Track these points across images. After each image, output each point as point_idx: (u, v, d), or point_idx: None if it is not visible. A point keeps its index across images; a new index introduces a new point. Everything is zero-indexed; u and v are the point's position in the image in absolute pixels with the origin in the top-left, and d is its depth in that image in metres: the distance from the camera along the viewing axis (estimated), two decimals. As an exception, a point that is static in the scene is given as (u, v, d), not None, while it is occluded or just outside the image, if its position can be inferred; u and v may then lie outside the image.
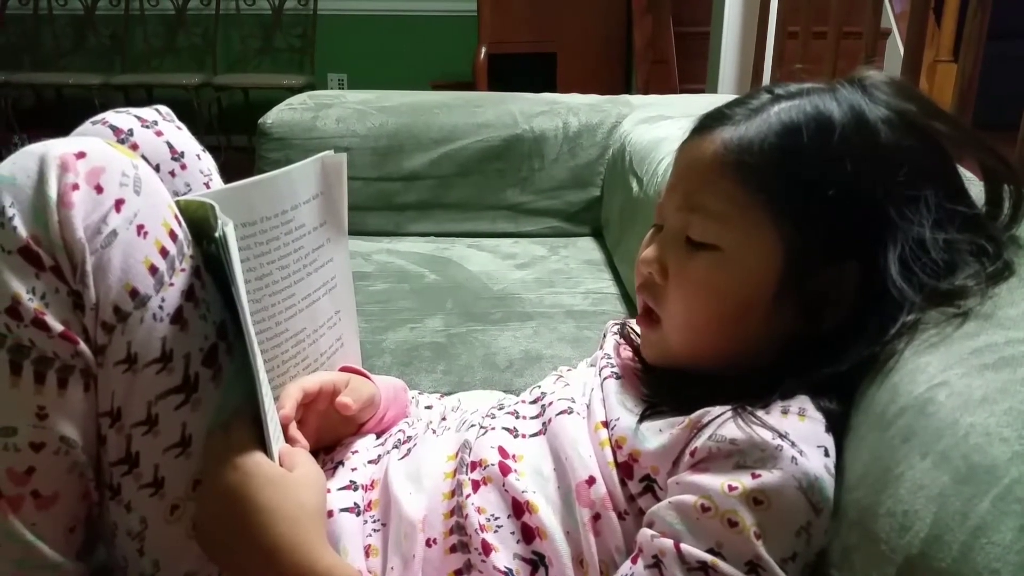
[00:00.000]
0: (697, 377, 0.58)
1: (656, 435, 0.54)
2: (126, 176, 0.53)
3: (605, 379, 0.62)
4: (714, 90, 2.66)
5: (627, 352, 0.66)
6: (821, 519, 0.46)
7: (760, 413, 0.50)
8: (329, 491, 0.58)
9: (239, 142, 4.38)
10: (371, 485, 0.60)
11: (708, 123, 0.59)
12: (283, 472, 0.52)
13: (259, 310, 0.60)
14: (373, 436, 0.67)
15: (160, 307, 0.53)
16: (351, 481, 0.60)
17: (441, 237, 1.53)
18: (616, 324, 0.71)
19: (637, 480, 0.54)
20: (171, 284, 0.54)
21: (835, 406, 0.51)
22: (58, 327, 0.51)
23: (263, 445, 0.53)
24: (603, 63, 3.67)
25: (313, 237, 0.64)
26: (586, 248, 1.47)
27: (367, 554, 0.56)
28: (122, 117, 0.66)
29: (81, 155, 0.52)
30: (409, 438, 0.64)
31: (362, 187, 1.55)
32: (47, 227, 0.50)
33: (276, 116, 1.58)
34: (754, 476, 0.47)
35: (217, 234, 0.50)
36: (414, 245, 1.47)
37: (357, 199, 1.55)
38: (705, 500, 0.47)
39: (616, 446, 0.56)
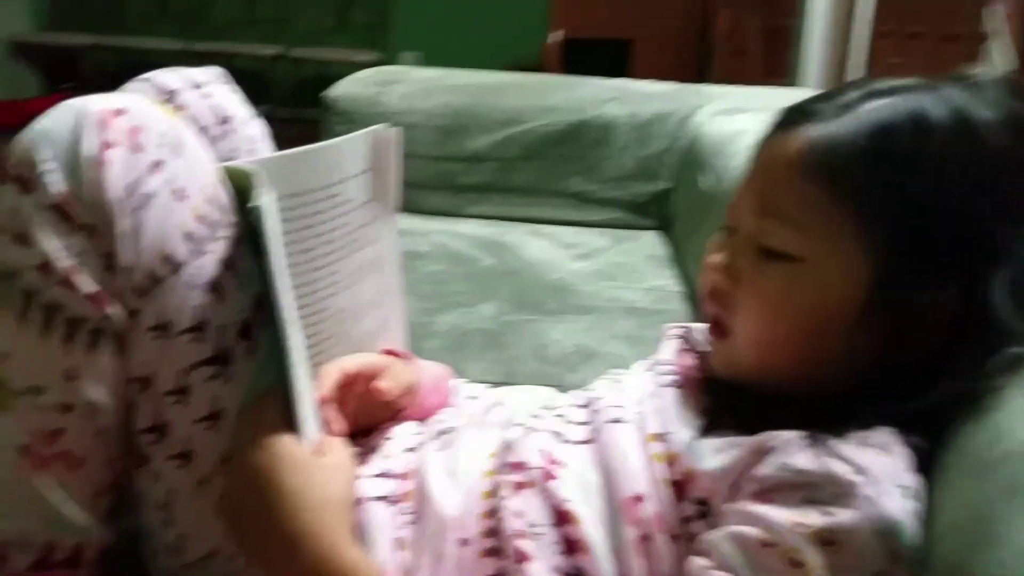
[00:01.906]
0: (767, 395, 0.53)
1: (715, 455, 0.50)
2: (165, 137, 0.51)
3: (663, 387, 0.58)
4: (797, 85, 2.55)
5: (690, 359, 0.61)
6: (899, 569, 0.41)
7: (836, 443, 0.45)
8: (360, 478, 0.55)
9: (311, 115, 4.43)
10: (406, 474, 0.57)
11: (791, 118, 0.53)
12: (311, 457, 0.50)
13: (300, 285, 0.57)
14: (413, 423, 0.63)
15: (196, 274, 0.51)
16: (385, 469, 0.57)
17: (500, 221, 1.49)
18: (678, 327, 0.66)
19: (691, 501, 0.50)
20: (208, 252, 0.52)
21: (923, 443, 0.45)
22: (89, 288, 0.50)
23: (294, 427, 0.51)
24: (680, 52, 3.58)
25: (360, 213, 0.61)
26: (650, 243, 1.41)
27: (397, 547, 0.53)
28: (171, 76, 0.64)
29: (120, 112, 0.50)
30: (449, 429, 0.61)
31: (423, 166, 1.52)
32: (81, 185, 0.48)
33: (342, 90, 1.56)
34: (825, 513, 0.42)
35: (253, 204, 0.47)
36: (472, 228, 1.44)
37: (417, 177, 1.52)
38: (767, 535, 0.43)
39: (669, 462, 0.52)
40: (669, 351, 0.63)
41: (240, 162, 0.53)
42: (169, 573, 0.56)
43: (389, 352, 0.66)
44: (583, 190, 1.52)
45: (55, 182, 0.49)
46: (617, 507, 0.51)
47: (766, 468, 0.46)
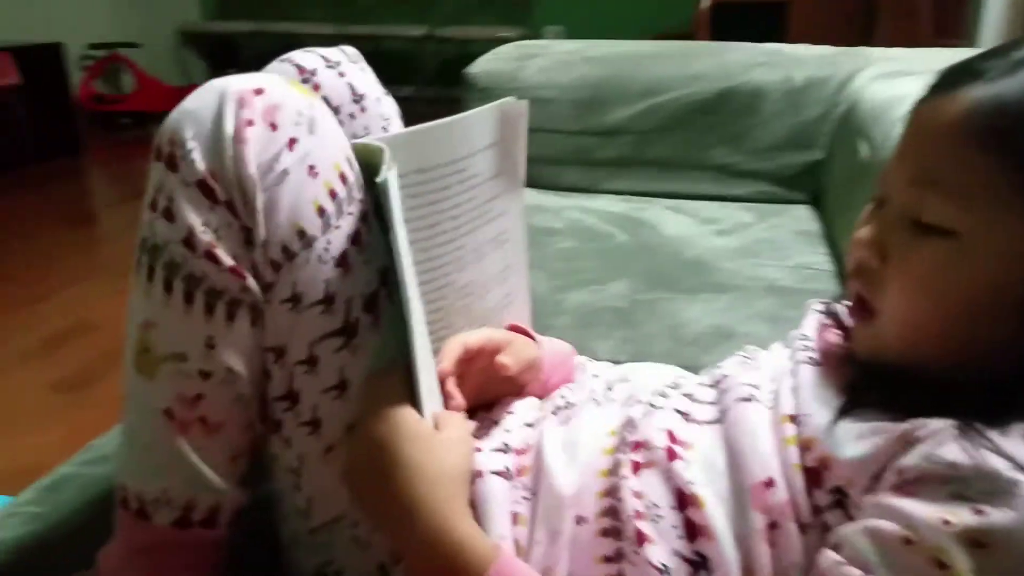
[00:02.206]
0: (917, 377, 0.48)
1: (855, 441, 0.46)
2: (301, 115, 0.52)
3: (799, 364, 0.54)
4: (973, 47, 2.32)
5: (833, 336, 0.56)
6: None
7: (994, 435, 0.40)
8: (480, 451, 0.55)
9: (457, 94, 4.51)
10: (524, 449, 0.56)
11: (953, 78, 0.47)
12: (431, 430, 0.50)
13: (426, 259, 0.57)
14: (535, 399, 0.62)
15: (326, 249, 0.53)
16: (504, 443, 0.56)
17: (638, 196, 1.45)
18: (822, 302, 0.61)
19: (826, 490, 0.47)
20: (337, 227, 0.53)
21: None
22: (228, 261, 0.51)
23: (415, 400, 0.51)
24: (841, 14, 3.33)
25: (486, 187, 0.60)
26: (801, 217, 1.32)
27: (513, 521, 0.53)
28: (308, 56, 0.65)
29: (259, 92, 0.51)
30: (569, 404, 0.60)
31: (559, 140, 1.49)
32: (223, 162, 0.50)
33: (481, 66, 1.56)
34: (977, 512, 0.38)
35: (379, 179, 0.48)
36: (608, 203, 1.40)
37: (553, 152, 1.50)
38: (909, 531, 0.39)
39: (804, 447, 0.48)
40: (810, 326, 0.58)
41: (370, 139, 0.53)
42: (297, 536, 0.58)
43: (513, 328, 0.65)
44: (727, 162, 1.44)
45: (198, 159, 0.51)
46: (744, 491, 0.49)
47: (911, 458, 0.42)
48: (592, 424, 0.56)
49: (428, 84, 4.60)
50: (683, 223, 1.31)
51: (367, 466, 0.50)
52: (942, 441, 0.41)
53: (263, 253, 0.52)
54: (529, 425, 0.59)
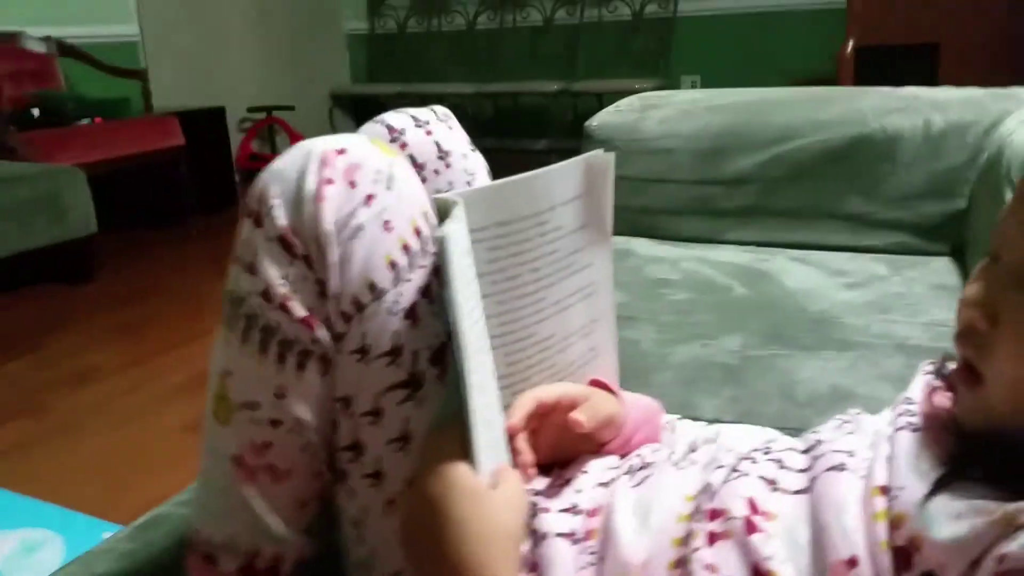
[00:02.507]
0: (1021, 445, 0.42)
1: (951, 521, 0.41)
2: (380, 173, 0.54)
3: (899, 430, 0.49)
4: None
5: (942, 399, 0.51)
6: None
7: None
8: (548, 511, 0.53)
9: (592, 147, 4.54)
10: (595, 511, 0.54)
11: None
12: (483, 488, 0.48)
13: (505, 312, 0.57)
14: (614, 458, 0.60)
15: (396, 301, 0.53)
16: (573, 504, 0.55)
17: (763, 247, 1.39)
18: (934, 363, 0.56)
19: (916, 574, 0.41)
20: (408, 280, 0.54)
21: None
22: (301, 312, 0.53)
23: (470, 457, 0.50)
24: (997, 55, 3.11)
25: (571, 240, 0.60)
26: (940, 270, 1.22)
27: None
28: (399, 117, 0.69)
29: (342, 152, 0.54)
30: (647, 465, 0.57)
31: (680, 190, 1.47)
32: (302, 218, 0.52)
33: (602, 119, 1.57)
34: None
35: (438, 234, 0.48)
36: (730, 254, 1.35)
37: (674, 203, 1.48)
38: None
39: (894, 523, 0.44)
40: (917, 388, 0.53)
41: (449, 194, 0.54)
42: None
43: (595, 383, 0.63)
44: (861, 211, 1.36)
45: (280, 216, 0.53)
46: (824, 569, 0.44)
47: (1015, 545, 0.37)
48: (668, 488, 0.53)
49: (563, 137, 4.68)
50: (809, 275, 1.24)
51: (417, 522, 0.49)
52: None
53: (335, 305, 0.53)
54: (603, 485, 0.56)
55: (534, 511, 0.55)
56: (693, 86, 4.58)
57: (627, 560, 0.50)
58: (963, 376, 0.47)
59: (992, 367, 0.45)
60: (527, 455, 0.53)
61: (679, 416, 0.69)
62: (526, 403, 0.54)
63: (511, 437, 0.53)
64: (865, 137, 1.35)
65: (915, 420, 0.50)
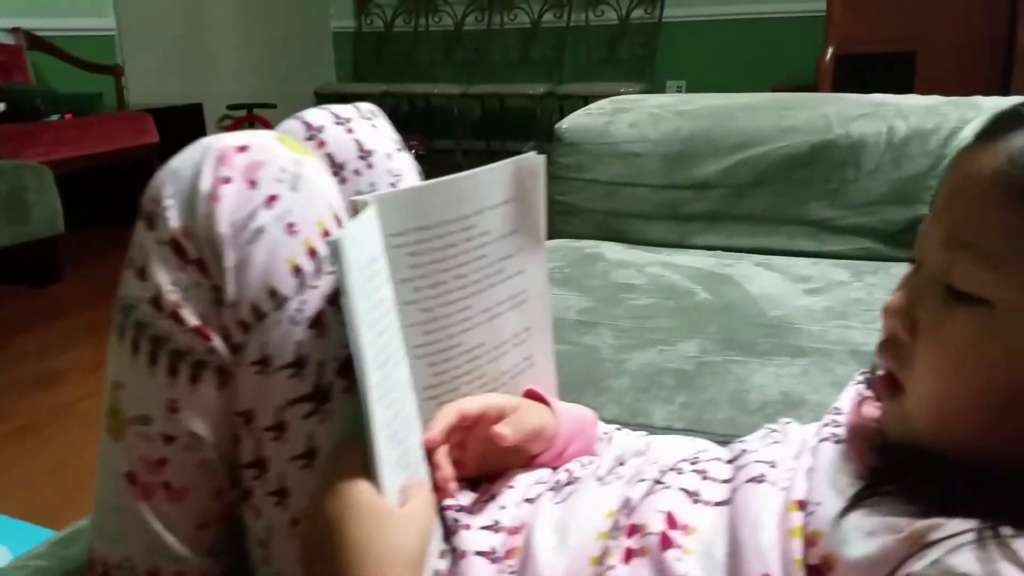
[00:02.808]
0: (946, 466, 0.42)
1: (863, 539, 0.40)
2: (284, 172, 0.52)
3: (822, 441, 0.48)
4: None
5: (871, 409, 0.51)
6: None
7: (1020, 544, 0.34)
8: (469, 527, 0.52)
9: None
10: (518, 528, 0.53)
11: (1000, 125, 0.42)
12: (385, 507, 0.46)
13: (430, 320, 0.56)
14: (545, 472, 0.59)
15: (300, 310, 0.51)
16: (495, 520, 0.53)
17: (729, 252, 1.39)
18: (863, 372, 0.55)
19: None
20: (314, 287, 0.51)
21: None
22: (193, 321, 0.51)
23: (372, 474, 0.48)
24: (973, 65, 3.13)
25: (499, 245, 0.59)
26: (901, 276, 1.22)
27: None
28: (319, 113, 0.65)
29: (243, 149, 0.51)
30: (573, 480, 0.56)
31: (648, 195, 1.47)
32: (195, 220, 0.50)
33: (572, 121, 1.56)
34: None
35: (331, 238, 0.45)
36: (695, 259, 1.35)
37: (642, 207, 1.48)
38: None
39: (809, 540, 0.43)
40: (846, 398, 0.52)
41: (366, 196, 0.53)
42: None
43: (529, 393, 0.62)
44: (824, 217, 1.37)
45: (173, 217, 0.50)
46: None
47: (920, 564, 0.36)
48: (589, 504, 0.52)
49: (548, 140, 4.67)
50: (772, 281, 1.24)
51: (314, 544, 0.47)
52: (957, 548, 0.35)
53: (232, 314, 0.50)
54: (529, 501, 0.55)
55: (455, 528, 0.53)
56: (679, 91, 4.59)
57: None
58: (885, 386, 0.47)
59: (911, 377, 0.44)
60: (446, 469, 0.52)
61: (618, 427, 0.68)
62: (448, 415, 0.53)
63: (430, 451, 0.52)
64: (829, 143, 1.35)
65: (839, 431, 0.50)
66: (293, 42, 4.95)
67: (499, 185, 0.58)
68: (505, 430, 0.54)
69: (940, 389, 0.42)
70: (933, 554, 0.36)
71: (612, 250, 1.43)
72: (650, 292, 1.20)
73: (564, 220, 1.55)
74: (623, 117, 1.53)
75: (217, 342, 0.51)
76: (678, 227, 1.46)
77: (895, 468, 0.44)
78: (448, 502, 0.55)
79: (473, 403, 0.55)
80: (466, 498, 0.56)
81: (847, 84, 3.11)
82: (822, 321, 1.06)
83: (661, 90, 4.51)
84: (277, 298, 0.51)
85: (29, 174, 2.59)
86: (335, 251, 0.44)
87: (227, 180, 0.50)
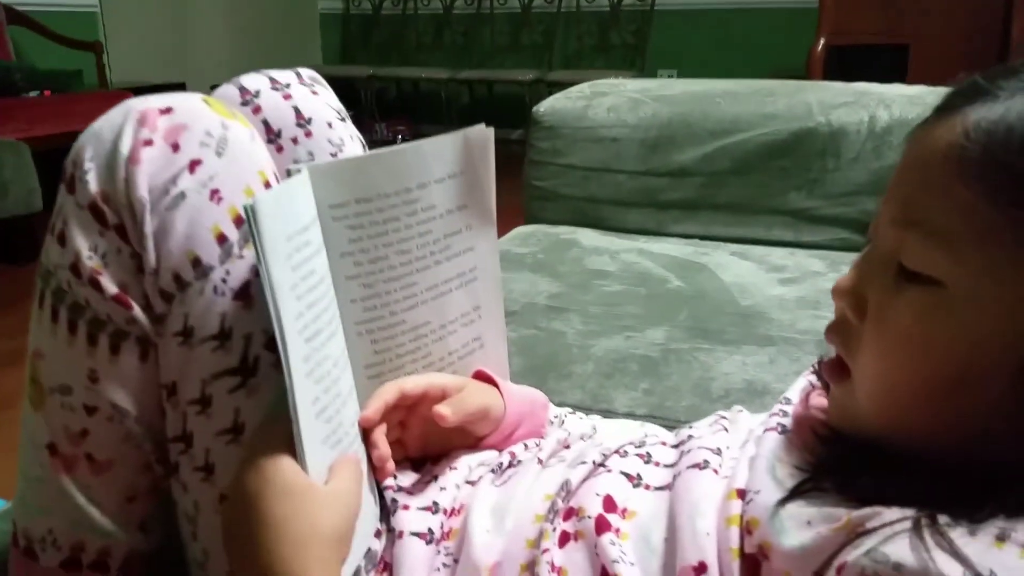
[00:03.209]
0: (887, 454, 0.41)
1: (800, 528, 0.39)
2: (210, 136, 0.49)
3: (767, 430, 0.47)
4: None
5: (819, 400, 0.49)
6: None
7: (959, 532, 0.33)
8: (408, 508, 0.50)
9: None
10: (456, 510, 0.51)
11: (956, 99, 0.40)
12: (306, 485, 0.44)
13: (371, 295, 0.54)
14: (491, 453, 0.57)
15: (224, 280, 0.49)
16: (433, 502, 0.52)
17: (706, 241, 1.38)
18: (819, 361, 0.54)
19: None
20: (240, 256, 0.49)
21: None
22: (112, 289, 0.49)
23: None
24: (967, 58, 3.11)
25: (446, 221, 0.57)
26: (876, 267, 1.21)
27: None
28: (255, 78, 0.62)
29: (166, 111, 0.49)
30: (516, 463, 0.54)
31: (626, 181, 1.44)
32: (115, 183, 0.48)
33: (550, 104, 1.54)
34: None
35: (245, 203, 0.42)
36: (671, 247, 1.34)
37: (619, 194, 1.45)
38: None
39: (747, 529, 0.41)
40: (796, 388, 0.51)
41: (306, 164, 0.51)
42: None
43: (478, 374, 0.60)
44: (803, 207, 1.35)
45: (92, 181, 0.49)
46: (674, 575, 0.42)
47: (854, 554, 0.34)
48: (528, 487, 0.51)
49: (538, 127, 4.64)
50: (746, 270, 1.22)
51: (234, 521, 0.45)
52: (892, 536, 0.34)
53: (154, 282, 0.49)
54: (470, 483, 0.54)
55: (393, 508, 0.52)
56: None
57: (477, 562, 0.47)
58: (832, 370, 0.45)
59: (858, 361, 0.43)
60: (383, 449, 0.50)
61: (570, 410, 0.66)
62: (386, 394, 0.51)
63: (366, 430, 0.50)
64: (809, 131, 1.33)
65: (786, 421, 0.48)
66: (279, 22, 4.90)
67: (445, 158, 0.56)
68: (446, 410, 0.52)
69: (885, 373, 0.41)
70: (868, 543, 0.35)
71: (587, 236, 1.41)
72: (622, 279, 1.19)
73: (541, 206, 1.53)
74: (602, 101, 1.51)
75: (138, 311, 0.49)
76: (655, 215, 1.44)
77: (837, 460, 0.42)
78: (388, 482, 0.53)
79: (415, 382, 0.53)
80: (407, 479, 0.55)
81: (838, 76, 3.08)
82: (793, 310, 1.05)
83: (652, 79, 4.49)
84: (200, 267, 0.49)
85: (6, 151, 2.56)
86: (249, 216, 0.42)
87: (148, 143, 0.48)
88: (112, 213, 0.49)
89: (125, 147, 0.48)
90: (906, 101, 1.32)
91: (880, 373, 0.41)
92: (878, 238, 0.43)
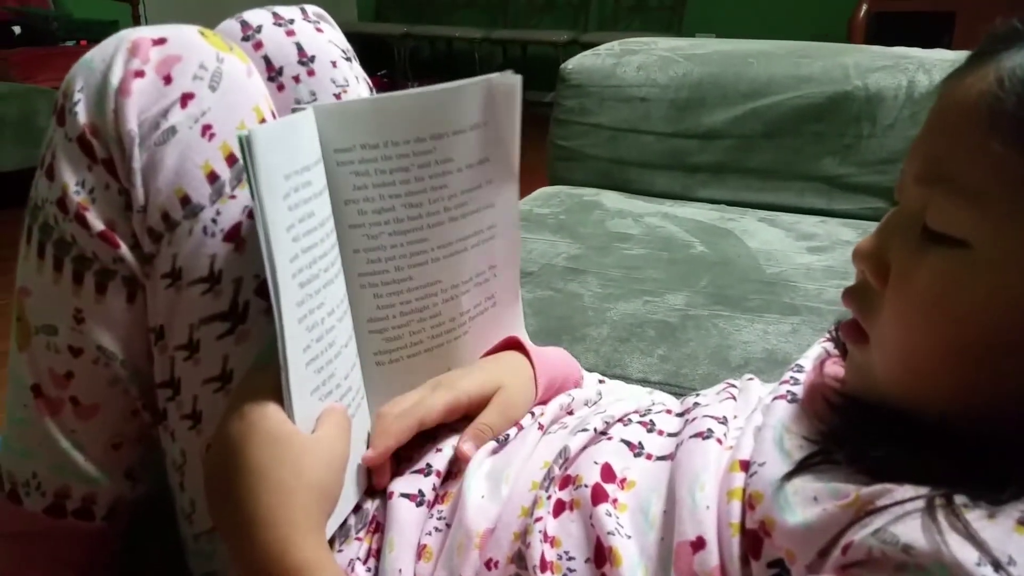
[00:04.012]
0: (904, 425, 0.38)
1: (806, 505, 0.37)
2: (204, 69, 0.47)
3: (776, 399, 0.45)
4: None
5: (834, 368, 0.47)
6: None
7: (975, 515, 0.31)
8: (403, 473, 0.49)
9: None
10: (453, 474, 0.50)
11: (991, 45, 0.37)
12: (291, 432, 0.42)
13: (375, 248, 0.52)
14: None
15: (214, 220, 0.47)
16: (428, 464, 0.50)
17: (734, 207, 1.34)
18: (835, 326, 0.51)
19: (765, 563, 0.38)
20: (232, 196, 0.47)
21: None
22: (98, 226, 0.47)
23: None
24: (1018, 21, 2.99)
25: (465, 176, 0.54)
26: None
27: (419, 555, 0.46)
28: (258, 13, 0.59)
29: (160, 41, 0.47)
30: (520, 429, 0.53)
31: (654, 143, 1.41)
32: (104, 115, 0.46)
33: (578, 62, 1.50)
34: None
35: (240, 134, 0.40)
36: (697, 211, 1.30)
37: (646, 156, 1.42)
38: None
39: (749, 503, 0.39)
40: (810, 355, 0.49)
41: (313, 104, 0.49)
42: (186, 541, 0.53)
43: (511, 341, 0.58)
44: (837, 174, 1.31)
45: (81, 112, 0.47)
46: (670, 550, 0.40)
47: (862, 533, 0.33)
48: (526, 453, 0.49)
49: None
50: (774, 237, 1.19)
51: (215, 468, 0.44)
52: (903, 516, 0.32)
53: (142, 220, 0.47)
54: None
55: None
56: (705, 42, 4.46)
57: (470, 528, 0.45)
58: (850, 333, 0.42)
59: (877, 326, 0.40)
60: (384, 478, 0.49)
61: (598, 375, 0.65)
62: (399, 433, 0.48)
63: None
64: (846, 95, 1.28)
65: (797, 389, 0.46)
66: (315, -22, 4.85)
67: (467, 107, 0.53)
68: (468, 447, 0.49)
69: (907, 339, 0.38)
70: (877, 522, 0.33)
71: (611, 199, 1.38)
72: (645, 243, 1.16)
73: (566, 167, 1.50)
74: (631, 59, 1.47)
75: (125, 250, 0.48)
76: (683, 178, 1.41)
77: (850, 429, 0.40)
78: None
79: (434, 412, 0.50)
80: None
81: (880, 44, 2.99)
82: (820, 280, 1.02)
83: (688, 42, 4.39)
84: (190, 206, 0.47)
85: (40, 99, 2.57)
86: (244, 147, 0.40)
87: (140, 74, 0.46)
88: (101, 146, 0.47)
89: (115, 77, 0.46)
90: (947, 66, 1.25)
91: (901, 339, 0.39)
92: (903, 197, 0.40)
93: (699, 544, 0.40)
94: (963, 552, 0.29)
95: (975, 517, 0.31)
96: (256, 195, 0.40)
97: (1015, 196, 0.34)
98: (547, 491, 0.45)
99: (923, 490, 0.33)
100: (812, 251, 1.13)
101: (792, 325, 0.89)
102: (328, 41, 0.60)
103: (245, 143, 0.39)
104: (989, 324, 0.35)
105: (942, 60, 1.28)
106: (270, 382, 0.43)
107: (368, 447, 0.49)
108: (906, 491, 0.33)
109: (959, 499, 0.32)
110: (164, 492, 0.54)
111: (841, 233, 1.20)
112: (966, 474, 0.33)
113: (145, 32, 0.48)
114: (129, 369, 0.50)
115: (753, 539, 0.39)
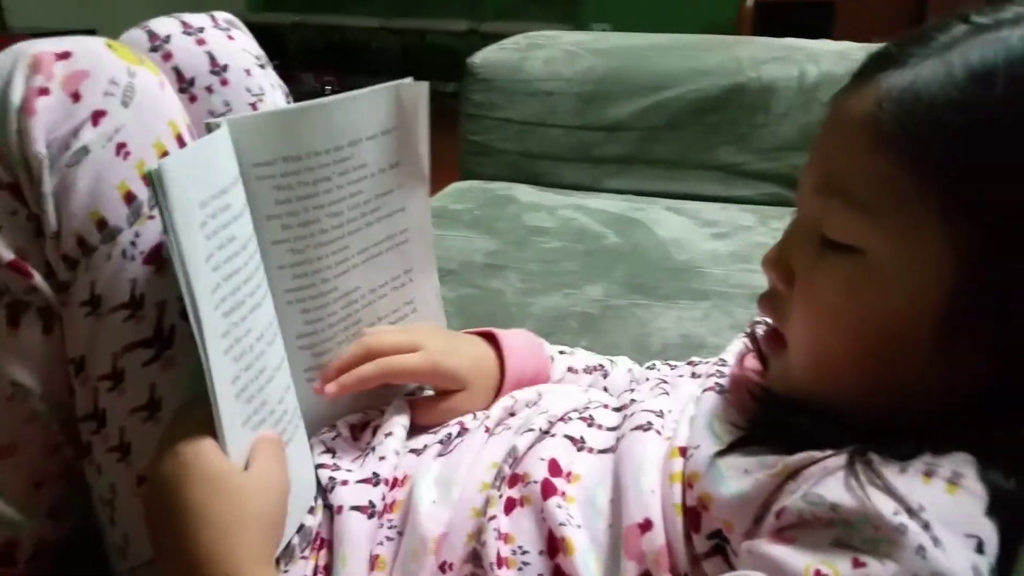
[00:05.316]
0: (820, 410, 0.41)
1: (738, 477, 0.40)
2: (115, 84, 0.45)
3: (705, 391, 0.48)
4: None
5: (754, 362, 0.50)
6: None
7: (889, 470, 0.34)
8: (347, 483, 0.49)
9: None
10: (400, 481, 0.50)
11: (869, 67, 0.40)
12: (227, 469, 0.42)
13: (301, 262, 0.52)
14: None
15: (133, 243, 0.45)
16: (374, 473, 0.50)
17: (640, 196, 1.38)
18: (753, 323, 0.54)
19: (704, 536, 0.40)
20: (151, 217, 0.46)
21: (1011, 484, 0.33)
22: (8, 255, 0.45)
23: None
24: (890, 16, 3.18)
25: (377, 180, 0.55)
26: (805, 222, 1.23)
27: (372, 566, 0.46)
28: (165, 22, 0.57)
29: (64, 56, 0.45)
30: (464, 432, 0.53)
31: (562, 136, 1.43)
32: (6, 137, 0.44)
33: (485, 55, 1.51)
34: (856, 564, 0.32)
35: (149, 168, 0.38)
36: (607, 203, 1.33)
37: (555, 149, 1.44)
38: None
39: (688, 483, 0.42)
40: (732, 350, 0.52)
41: (230, 117, 0.48)
42: None
43: (482, 332, 0.60)
44: (734, 162, 1.36)
45: None
46: (620, 534, 0.42)
47: (792, 498, 0.35)
48: (474, 456, 0.50)
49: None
50: (681, 225, 1.23)
51: (155, 508, 0.42)
52: (826, 476, 0.35)
53: (55, 247, 0.45)
54: (415, 452, 0.52)
55: (331, 485, 0.50)
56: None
57: (424, 534, 0.46)
58: (768, 341, 0.46)
59: (789, 329, 0.43)
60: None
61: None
62: (364, 377, 0.52)
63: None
64: (740, 87, 1.33)
65: (724, 382, 0.49)
66: (200, -33, 4.66)
67: (378, 113, 0.53)
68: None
69: (816, 341, 0.41)
70: (804, 486, 0.36)
71: (524, 192, 1.40)
72: (560, 235, 1.18)
73: (477, 161, 1.51)
74: (538, 54, 1.48)
75: (39, 280, 0.46)
76: (591, 170, 1.44)
77: (770, 413, 0.43)
78: (323, 460, 0.52)
79: (404, 369, 0.54)
80: (343, 453, 0.53)
81: (767, 32, 3.12)
82: (726, 265, 1.06)
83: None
84: (107, 229, 0.45)
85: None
86: (154, 182, 0.38)
87: (44, 91, 0.44)
88: (5, 171, 0.44)
89: (16, 96, 0.44)
90: (835, 56, 1.34)
91: (811, 342, 0.42)
92: (802, 207, 0.43)
93: (647, 526, 0.42)
94: (883, 504, 0.32)
95: (889, 472, 0.34)
96: (171, 230, 0.39)
97: (900, 207, 0.37)
98: (498, 490, 0.46)
99: (838, 455, 0.36)
100: (716, 237, 1.17)
101: (703, 310, 0.93)
102: (241, 49, 0.58)
103: (156, 177, 0.38)
104: (885, 324, 0.38)
105: (829, 51, 1.35)
106: (201, 416, 0.42)
107: (306, 467, 0.49)
108: (826, 455, 0.36)
109: (872, 457, 0.35)
110: (89, 528, 0.52)
111: (741, 218, 1.25)
112: (876, 439, 0.36)
113: (47, 46, 0.45)
114: (48, 403, 0.48)
115: (694, 515, 0.41)
